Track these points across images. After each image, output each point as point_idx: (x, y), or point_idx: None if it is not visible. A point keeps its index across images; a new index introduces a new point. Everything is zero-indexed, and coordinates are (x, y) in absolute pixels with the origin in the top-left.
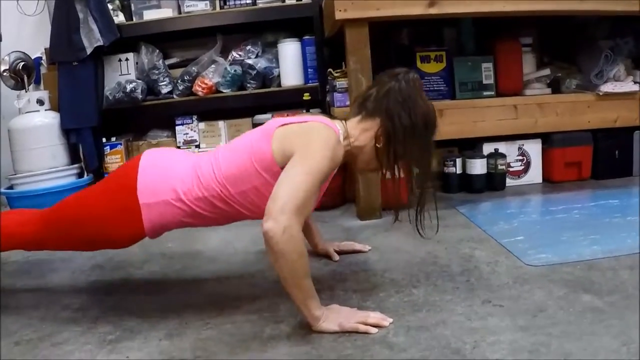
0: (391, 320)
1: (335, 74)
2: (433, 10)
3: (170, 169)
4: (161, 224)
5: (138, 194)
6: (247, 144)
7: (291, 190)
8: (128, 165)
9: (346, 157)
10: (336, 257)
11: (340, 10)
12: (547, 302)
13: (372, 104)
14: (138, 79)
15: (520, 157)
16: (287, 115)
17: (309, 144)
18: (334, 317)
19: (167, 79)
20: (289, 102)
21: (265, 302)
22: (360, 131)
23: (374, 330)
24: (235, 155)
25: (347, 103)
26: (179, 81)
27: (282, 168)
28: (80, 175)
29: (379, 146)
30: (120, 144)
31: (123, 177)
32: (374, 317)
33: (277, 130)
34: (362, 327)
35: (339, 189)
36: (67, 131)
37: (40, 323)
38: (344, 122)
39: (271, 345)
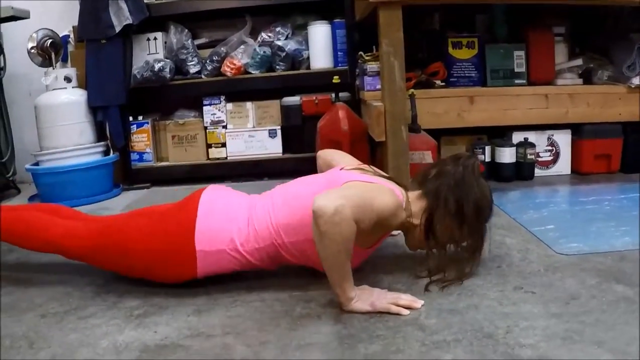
0: (422, 302)
1: (366, 57)
2: None
3: (229, 217)
4: (213, 270)
5: (195, 240)
6: (308, 194)
7: (352, 193)
8: (187, 206)
9: (402, 227)
10: None
11: None
12: (579, 290)
13: (430, 184)
14: (166, 58)
15: (550, 148)
16: (317, 99)
17: (376, 192)
18: (365, 297)
19: (195, 58)
20: (317, 84)
21: (295, 281)
22: (418, 209)
23: (405, 311)
24: (292, 203)
25: (378, 87)
26: (207, 61)
27: None
28: (106, 153)
29: (427, 229)
30: (147, 123)
31: (181, 219)
32: (406, 298)
33: (345, 186)
34: (394, 308)
35: None
36: (94, 109)
37: (66, 297)
38: (406, 193)
39: (301, 324)
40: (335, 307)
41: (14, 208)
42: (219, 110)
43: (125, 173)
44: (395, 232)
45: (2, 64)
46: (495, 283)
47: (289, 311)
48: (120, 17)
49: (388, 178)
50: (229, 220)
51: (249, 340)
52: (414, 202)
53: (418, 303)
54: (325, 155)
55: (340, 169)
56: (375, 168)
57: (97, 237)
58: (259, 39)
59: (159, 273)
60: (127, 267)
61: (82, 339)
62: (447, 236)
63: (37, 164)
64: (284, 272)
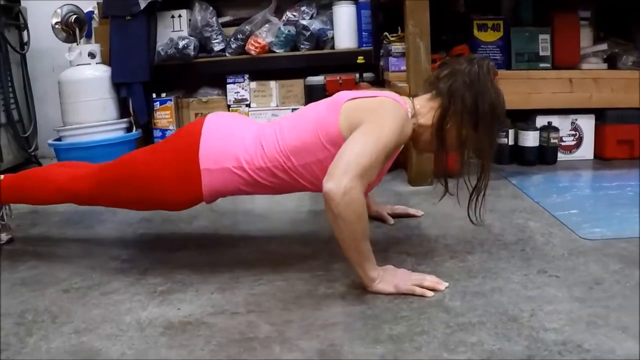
0: (447, 284)
1: (391, 38)
2: None
3: (234, 136)
4: (219, 190)
5: (200, 159)
6: (313, 115)
7: (356, 155)
8: (190, 129)
9: (412, 135)
10: (391, 220)
11: None
12: (603, 275)
13: (441, 83)
14: (190, 35)
15: (573, 132)
16: (340, 79)
17: (378, 116)
18: (389, 278)
19: (219, 36)
20: (342, 64)
21: (318, 261)
22: (428, 110)
23: (430, 293)
24: (300, 126)
25: (403, 68)
26: (231, 39)
27: None
28: (129, 129)
29: (440, 127)
30: (170, 100)
31: (185, 140)
32: (430, 280)
33: (346, 104)
34: (418, 290)
35: None
36: (118, 85)
37: (89, 272)
38: (412, 99)
39: (325, 304)
40: (359, 287)
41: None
42: (243, 88)
43: None
44: (418, 213)
45: (26, 39)
46: (519, 266)
47: (313, 291)
48: None
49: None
50: (235, 140)
51: (273, 319)
52: (424, 105)
53: (442, 285)
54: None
55: (341, 93)
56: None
57: (101, 173)
58: (283, 17)
59: (167, 198)
60: (135, 198)
61: (105, 314)
62: (458, 137)
63: (59, 139)
64: (308, 248)
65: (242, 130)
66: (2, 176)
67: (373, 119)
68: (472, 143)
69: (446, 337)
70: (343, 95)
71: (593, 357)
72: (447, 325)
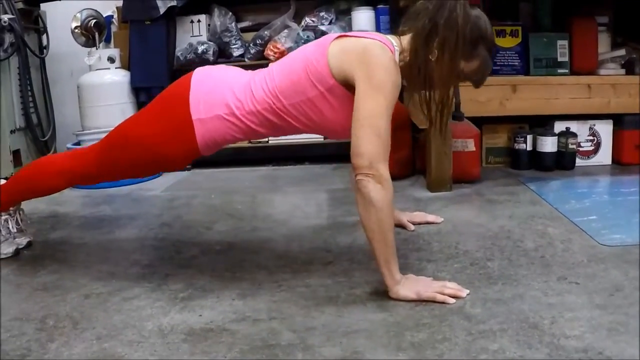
0: (468, 291)
1: None
2: None
3: (223, 84)
4: (214, 139)
5: (191, 110)
6: (301, 56)
7: (375, 137)
8: (179, 82)
9: (403, 74)
10: (411, 227)
11: None
12: (623, 282)
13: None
14: (210, 40)
15: (591, 138)
16: None
17: (372, 73)
18: (411, 285)
19: (239, 41)
20: None
21: (339, 267)
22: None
23: (451, 300)
24: (289, 67)
25: None
26: (250, 44)
27: (338, 82)
28: None
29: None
30: None
31: (174, 94)
32: (451, 287)
33: (333, 43)
34: (440, 297)
35: (408, 159)
36: (137, 90)
37: (109, 277)
38: (398, 37)
39: (347, 311)
40: (380, 294)
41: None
42: None
43: None
44: (438, 220)
45: (45, 43)
46: (539, 273)
47: (334, 297)
48: None
49: None
50: (224, 87)
51: (295, 326)
52: (409, 41)
53: (463, 292)
54: None
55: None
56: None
57: (98, 145)
58: (302, 23)
59: (166, 155)
60: (136, 161)
61: (126, 320)
62: (434, 68)
63: (78, 143)
64: (328, 254)
65: (232, 77)
66: (3, 181)
67: (367, 77)
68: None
69: (468, 345)
70: (329, 35)
71: None
72: (468, 332)
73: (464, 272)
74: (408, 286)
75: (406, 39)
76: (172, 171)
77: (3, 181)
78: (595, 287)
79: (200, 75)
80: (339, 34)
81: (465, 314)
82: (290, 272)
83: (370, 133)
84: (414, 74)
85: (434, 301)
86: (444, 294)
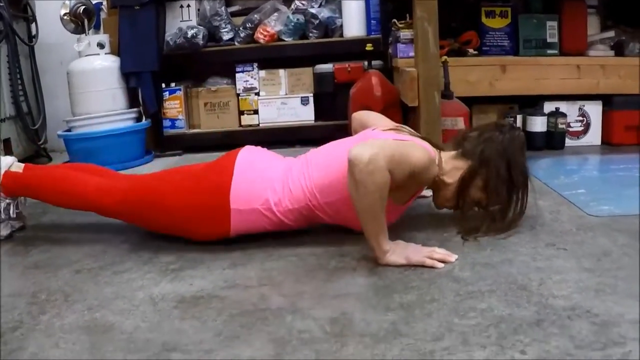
0: (456, 256)
1: (400, 25)
2: None
3: (264, 177)
4: (246, 228)
5: (231, 199)
6: (341, 153)
7: (386, 144)
8: (224, 164)
9: (433, 183)
10: None
11: None
12: (611, 248)
13: (470, 145)
14: (199, 25)
15: (581, 118)
16: (349, 67)
17: (408, 146)
18: (400, 251)
19: (228, 25)
20: (350, 52)
21: (330, 237)
22: (451, 167)
23: (440, 265)
24: (327, 164)
25: (411, 54)
26: (240, 28)
27: None
28: (138, 119)
29: (463, 188)
30: (180, 89)
31: (218, 177)
32: (440, 252)
33: (379, 139)
34: (429, 262)
35: None
36: (127, 75)
37: (101, 254)
38: (439, 151)
39: (337, 276)
40: (370, 260)
41: (43, 167)
42: (252, 77)
43: (157, 140)
44: (427, 194)
45: (35, 32)
46: (527, 240)
47: (324, 265)
48: None
49: (422, 138)
50: (264, 181)
51: (285, 291)
52: (448, 162)
53: (452, 257)
54: (360, 116)
55: (373, 130)
56: (409, 128)
57: (129, 193)
58: (292, 6)
59: (192, 230)
60: (159, 223)
61: (117, 291)
62: (479, 197)
63: (69, 130)
64: (318, 228)
65: (271, 169)
66: (23, 166)
67: (403, 146)
68: (491, 204)
69: (456, 305)
70: (376, 134)
71: (602, 321)
72: (457, 293)
73: (452, 240)
74: (397, 252)
75: (444, 156)
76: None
77: (20, 165)
78: (583, 252)
79: (244, 164)
80: (383, 134)
81: (454, 277)
82: (281, 244)
83: (387, 142)
84: (447, 195)
85: (423, 266)
86: (433, 259)
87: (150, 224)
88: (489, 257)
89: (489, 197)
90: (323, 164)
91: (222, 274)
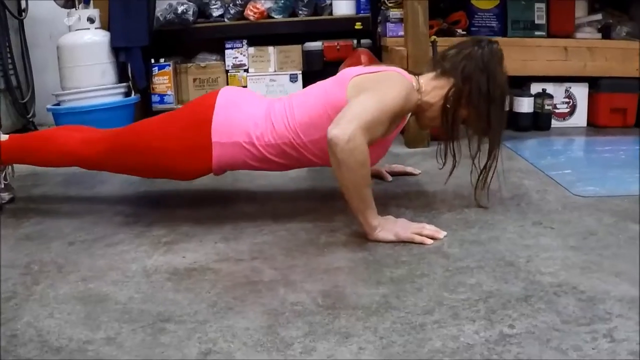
0: (445, 233)
1: (389, 4)
2: None
3: (246, 112)
4: (229, 163)
5: (212, 132)
6: (321, 92)
7: (361, 110)
8: (203, 101)
9: (415, 108)
10: (389, 177)
11: None
12: (596, 227)
13: (449, 64)
14: (190, 1)
15: (567, 100)
16: (338, 45)
17: (383, 84)
18: (390, 227)
19: (218, 2)
20: (340, 30)
21: (320, 214)
22: (432, 88)
23: (429, 241)
24: (308, 103)
25: (400, 33)
26: (230, 5)
27: None
28: (127, 94)
29: (448, 106)
30: (169, 65)
31: (197, 113)
32: (429, 229)
33: (353, 80)
34: (418, 238)
35: None
36: (117, 50)
37: (93, 226)
38: (417, 76)
39: (328, 251)
40: (360, 236)
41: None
42: (241, 54)
43: (146, 114)
44: (415, 172)
45: (24, 6)
46: (515, 219)
47: (315, 239)
48: None
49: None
50: (246, 116)
51: (277, 264)
52: (428, 83)
53: (441, 233)
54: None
55: (351, 69)
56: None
57: (112, 139)
58: None
59: (177, 169)
60: (145, 167)
61: (111, 263)
62: (466, 118)
63: (58, 104)
64: (309, 203)
65: (253, 105)
66: (7, 136)
67: (378, 86)
68: (481, 124)
69: (446, 279)
70: (350, 71)
71: (588, 297)
72: (446, 269)
73: (441, 217)
74: (387, 228)
75: (424, 79)
76: (179, 180)
77: (5, 137)
78: (570, 231)
79: (225, 100)
80: (359, 70)
81: (443, 253)
82: (271, 219)
83: (362, 108)
84: (431, 115)
85: (412, 242)
86: (422, 235)
87: (136, 167)
88: (477, 235)
89: (473, 112)
90: (304, 103)
91: (214, 247)
